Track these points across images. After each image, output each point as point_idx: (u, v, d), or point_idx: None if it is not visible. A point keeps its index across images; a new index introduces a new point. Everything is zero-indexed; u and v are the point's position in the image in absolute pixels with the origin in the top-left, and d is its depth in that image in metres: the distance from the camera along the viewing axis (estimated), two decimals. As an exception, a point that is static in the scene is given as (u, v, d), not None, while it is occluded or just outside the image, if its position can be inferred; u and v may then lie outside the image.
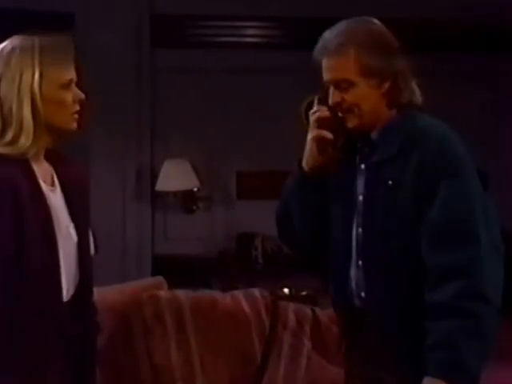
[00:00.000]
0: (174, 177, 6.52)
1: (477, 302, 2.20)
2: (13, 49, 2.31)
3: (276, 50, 6.71)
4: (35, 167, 2.34)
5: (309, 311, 3.72)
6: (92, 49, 6.02)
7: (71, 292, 2.37)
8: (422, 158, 2.29)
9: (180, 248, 6.61)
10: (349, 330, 2.47)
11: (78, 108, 2.37)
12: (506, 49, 6.67)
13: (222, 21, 6.71)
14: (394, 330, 2.33)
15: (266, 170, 6.71)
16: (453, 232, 2.25)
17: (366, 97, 2.36)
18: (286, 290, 5.22)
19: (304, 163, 2.49)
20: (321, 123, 2.43)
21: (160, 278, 3.77)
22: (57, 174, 2.41)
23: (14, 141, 2.28)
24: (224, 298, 3.65)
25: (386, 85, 2.36)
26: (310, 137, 2.46)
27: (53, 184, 2.38)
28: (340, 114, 2.40)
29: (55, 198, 2.36)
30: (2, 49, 2.33)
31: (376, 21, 2.43)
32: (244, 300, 3.66)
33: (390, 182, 2.32)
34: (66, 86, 2.34)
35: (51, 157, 2.41)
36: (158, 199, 6.74)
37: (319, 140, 2.43)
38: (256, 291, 3.74)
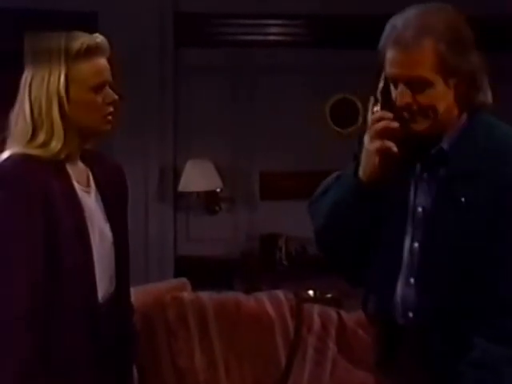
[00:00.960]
0: (197, 177, 6.49)
1: None
2: (41, 49, 2.28)
3: (301, 49, 6.66)
4: (70, 168, 2.31)
5: (334, 314, 3.68)
6: (115, 48, 5.99)
7: (108, 293, 2.35)
8: (500, 178, 2.08)
9: (202, 249, 6.58)
10: (386, 346, 2.29)
11: (110, 109, 2.33)
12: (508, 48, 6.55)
13: (246, 19, 6.67)
14: (438, 355, 2.17)
15: (290, 170, 6.68)
16: None
17: (443, 98, 2.08)
18: (310, 292, 5.18)
19: (361, 173, 2.18)
20: (386, 133, 2.13)
21: (184, 280, 3.75)
22: (93, 174, 2.39)
23: (46, 143, 2.26)
24: (248, 300, 3.62)
25: (464, 84, 2.09)
26: (371, 147, 2.14)
27: (88, 185, 2.36)
28: (406, 116, 2.10)
29: (90, 199, 2.34)
30: (33, 49, 2.30)
31: (452, 8, 2.13)
32: (268, 302, 3.63)
33: (463, 199, 2.10)
34: (97, 88, 2.29)
35: (88, 157, 2.39)
36: (181, 200, 6.72)
37: (383, 152, 2.13)
38: (280, 293, 3.71)
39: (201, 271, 5.93)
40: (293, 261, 6.52)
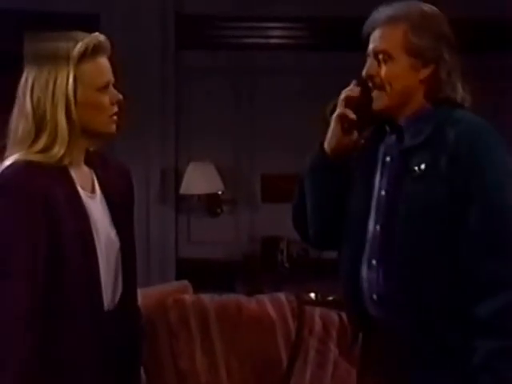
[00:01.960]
0: (199, 180, 6.49)
1: None
2: (46, 51, 2.24)
3: (301, 51, 6.67)
4: (73, 173, 2.28)
5: (335, 316, 3.68)
6: (117, 50, 6.00)
7: (115, 298, 2.33)
8: (457, 145, 2.15)
9: (204, 251, 6.58)
10: (358, 334, 2.34)
11: (115, 110, 2.31)
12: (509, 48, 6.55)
13: (247, 21, 6.67)
14: (406, 337, 2.19)
15: (291, 172, 6.62)
16: (502, 241, 2.10)
17: (402, 76, 2.24)
18: (312, 295, 5.17)
19: (326, 144, 2.37)
20: (348, 102, 2.32)
21: (185, 282, 3.75)
22: (97, 177, 2.35)
23: (48, 147, 2.22)
24: (249, 303, 3.62)
25: (427, 71, 2.23)
26: (334, 115, 2.35)
27: (93, 190, 2.33)
28: (372, 93, 2.28)
29: (95, 205, 2.30)
30: (35, 50, 2.26)
31: (432, 6, 2.32)
32: (270, 304, 3.63)
33: (417, 170, 2.17)
34: (103, 88, 2.27)
35: (91, 159, 2.35)
36: (182, 202, 6.71)
37: (343, 118, 2.32)
38: (282, 296, 3.71)
39: (202, 273, 5.92)
40: (294, 263, 6.51)
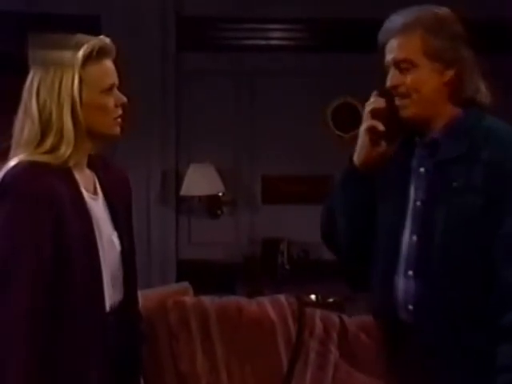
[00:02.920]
0: (199, 181, 6.49)
1: None
2: (51, 53, 2.25)
3: (302, 53, 6.67)
4: (77, 175, 2.29)
5: (336, 318, 3.67)
6: (117, 51, 5.99)
7: (117, 301, 2.33)
8: (491, 158, 2.16)
9: (204, 253, 6.58)
10: (390, 344, 2.35)
11: (120, 112, 2.33)
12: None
13: (248, 23, 6.68)
14: (441, 348, 2.20)
15: (292, 174, 6.68)
16: None
17: (427, 81, 2.25)
18: (312, 297, 5.17)
19: (355, 157, 2.37)
20: (375, 114, 2.31)
21: (186, 284, 3.75)
22: (99, 181, 2.37)
23: (55, 148, 2.23)
24: (250, 305, 3.61)
25: (450, 72, 2.25)
26: (362, 128, 2.34)
27: (95, 192, 2.34)
28: (397, 102, 2.28)
29: (97, 207, 2.32)
30: (40, 53, 2.27)
31: (446, 9, 2.34)
32: (270, 306, 3.62)
33: (454, 184, 2.18)
34: (108, 90, 2.28)
35: (94, 163, 2.37)
36: (183, 204, 6.72)
37: (371, 131, 2.32)
38: (282, 297, 3.70)
39: (203, 275, 5.92)
40: (295, 265, 6.52)
